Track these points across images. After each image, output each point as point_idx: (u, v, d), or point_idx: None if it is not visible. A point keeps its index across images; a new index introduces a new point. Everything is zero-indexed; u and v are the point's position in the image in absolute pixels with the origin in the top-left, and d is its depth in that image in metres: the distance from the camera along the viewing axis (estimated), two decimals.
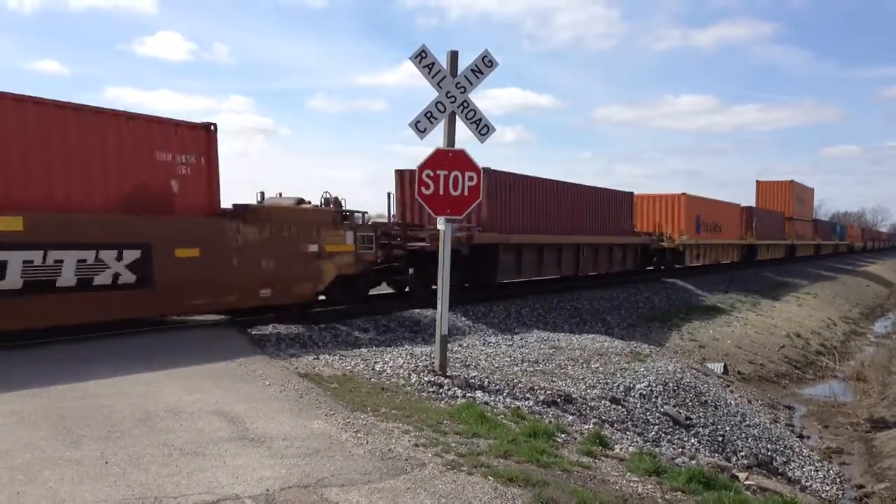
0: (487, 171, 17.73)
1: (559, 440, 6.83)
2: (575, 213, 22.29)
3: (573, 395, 9.50)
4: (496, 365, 10.67)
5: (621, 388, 10.78)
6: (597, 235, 23.53)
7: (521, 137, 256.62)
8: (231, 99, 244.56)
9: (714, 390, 13.32)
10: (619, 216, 25.53)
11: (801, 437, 14.00)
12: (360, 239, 13.65)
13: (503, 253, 18.53)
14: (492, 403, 7.97)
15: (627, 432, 9.01)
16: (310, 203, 13.73)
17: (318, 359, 9.37)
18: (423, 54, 8.78)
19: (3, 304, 8.56)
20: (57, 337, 9.47)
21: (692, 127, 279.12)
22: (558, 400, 9.05)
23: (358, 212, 14.34)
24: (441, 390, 8.19)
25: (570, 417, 8.51)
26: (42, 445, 5.27)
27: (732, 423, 11.84)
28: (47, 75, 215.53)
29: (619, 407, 9.95)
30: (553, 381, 10.11)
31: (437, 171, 8.65)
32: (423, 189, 8.66)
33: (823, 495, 10.57)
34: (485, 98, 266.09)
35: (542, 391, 9.18)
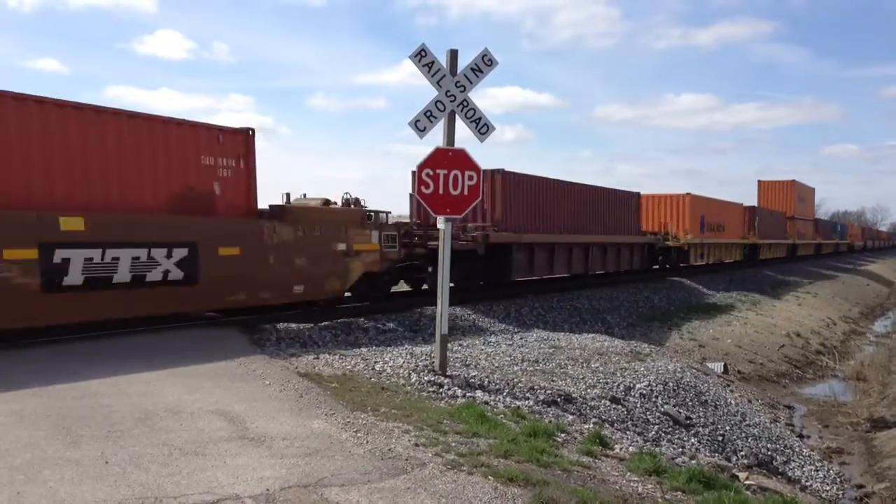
0: (502, 172, 18.46)
1: (559, 440, 6.83)
2: (584, 213, 22.73)
3: (573, 395, 9.50)
4: (496, 364, 10.67)
5: (621, 387, 10.77)
6: (605, 235, 23.97)
7: (522, 136, 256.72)
8: (231, 98, 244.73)
9: (714, 390, 13.31)
10: (626, 216, 25.91)
11: (801, 436, 14.00)
12: (385, 238, 14.21)
13: (517, 252, 18.96)
14: (492, 403, 7.97)
15: (627, 432, 9.01)
16: (336, 204, 14.18)
17: (318, 358, 9.36)
18: (423, 53, 8.77)
19: (67, 298, 9.14)
20: (57, 337, 9.49)
21: (692, 126, 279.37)
22: (558, 399, 9.04)
23: (382, 212, 14.78)
24: (441, 390, 8.19)
25: (570, 417, 8.51)
26: (42, 445, 5.27)
27: (732, 422, 11.84)
28: (47, 74, 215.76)
29: (619, 406, 9.95)
30: (553, 381, 10.11)
31: (437, 171, 8.65)
32: (422, 188, 8.65)
33: (823, 495, 10.56)
34: (485, 97, 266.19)
35: (542, 391, 9.17)
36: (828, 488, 10.90)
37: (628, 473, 6.08)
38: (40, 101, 9.21)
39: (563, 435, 7.07)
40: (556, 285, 21.98)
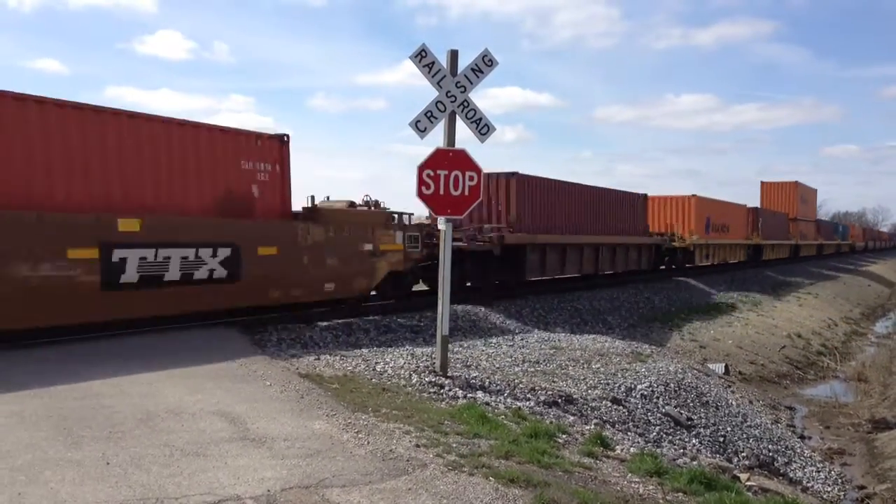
0: (516, 175, 19.07)
1: (560, 441, 6.83)
2: (594, 215, 23.18)
3: (574, 396, 9.50)
4: (497, 365, 10.67)
5: (622, 388, 10.77)
6: (614, 236, 24.46)
7: (522, 137, 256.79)
8: (231, 98, 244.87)
9: (715, 391, 13.31)
10: (634, 217, 26.35)
11: (802, 437, 14.00)
12: (408, 238, 14.79)
13: (530, 252, 19.48)
14: (493, 404, 7.97)
15: (629, 433, 9.00)
16: (363, 206, 14.69)
17: (318, 359, 9.36)
18: (423, 53, 8.77)
19: (123, 295, 9.72)
20: (57, 337, 9.49)
21: (693, 126, 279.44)
22: (559, 400, 9.04)
23: (405, 213, 15.25)
24: (442, 391, 8.18)
25: (572, 418, 8.50)
26: (43, 446, 5.27)
27: (734, 423, 11.83)
28: (47, 74, 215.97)
29: (621, 407, 9.94)
30: (554, 382, 10.11)
31: (438, 171, 8.65)
32: (423, 189, 8.64)
33: (825, 496, 10.56)
34: (485, 97, 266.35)
35: (543, 391, 9.17)
36: (829, 489, 10.89)
37: (629, 474, 6.08)
38: (98, 111, 9.81)
39: (564, 436, 7.07)
40: (555, 286, 22.03)
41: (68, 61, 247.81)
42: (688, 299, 25.89)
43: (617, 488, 5.59)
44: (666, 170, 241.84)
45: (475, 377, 9.15)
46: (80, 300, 9.26)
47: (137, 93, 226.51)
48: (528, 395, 8.88)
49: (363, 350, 10.53)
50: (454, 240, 16.59)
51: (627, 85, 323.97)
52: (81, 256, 9.20)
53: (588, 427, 8.10)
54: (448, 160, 8.69)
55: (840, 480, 11.49)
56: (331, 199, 14.65)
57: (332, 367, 8.94)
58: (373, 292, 14.63)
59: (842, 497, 10.85)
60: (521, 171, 19.22)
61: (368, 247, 13.67)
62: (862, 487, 11.38)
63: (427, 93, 8.83)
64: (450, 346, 9.91)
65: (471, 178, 8.73)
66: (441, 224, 8.87)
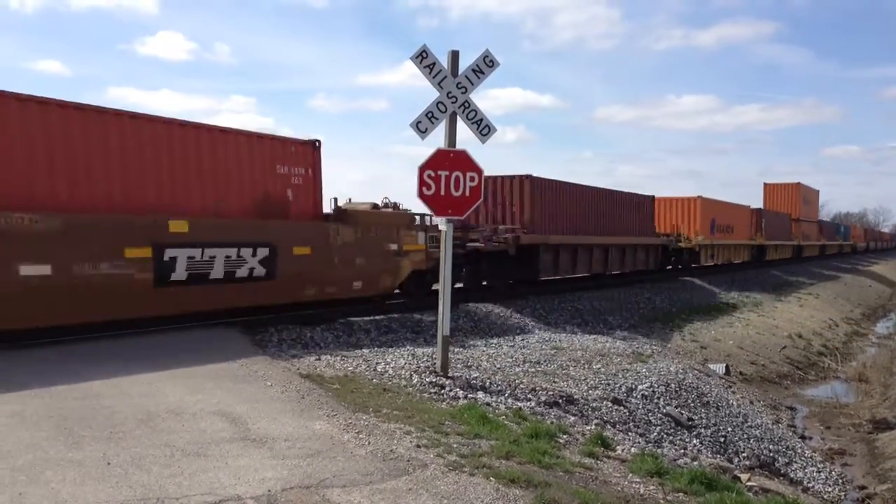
0: (530, 177, 19.79)
1: (561, 441, 6.83)
2: (604, 216, 23.75)
3: (575, 396, 9.50)
4: (498, 366, 10.67)
5: (623, 388, 10.77)
6: (623, 236, 25.06)
7: (523, 137, 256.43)
8: (232, 99, 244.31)
9: (716, 391, 13.31)
10: (641, 218, 26.98)
11: (803, 438, 13.99)
12: (430, 239, 15.25)
13: (544, 253, 20.05)
14: (493, 404, 7.97)
15: (629, 433, 9.00)
16: (388, 207, 15.24)
17: (319, 359, 9.37)
18: (424, 54, 8.78)
19: (173, 291, 10.33)
20: (58, 337, 9.50)
21: (694, 127, 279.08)
22: (560, 401, 9.04)
23: (426, 214, 15.59)
24: (443, 391, 8.19)
25: (572, 418, 8.50)
26: (44, 446, 5.27)
27: (734, 424, 11.83)
28: (49, 75, 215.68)
29: (621, 408, 9.94)
30: (555, 382, 10.11)
31: (439, 172, 8.65)
32: (424, 189, 8.64)
33: (825, 496, 10.56)
34: (486, 98, 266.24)
35: (544, 392, 9.17)
36: (830, 490, 10.89)
37: (630, 475, 6.08)
38: (151, 120, 10.56)
39: (564, 436, 7.07)
40: (557, 286, 22.11)
41: (70, 62, 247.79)
42: (688, 299, 25.89)
43: (618, 488, 5.59)
44: (667, 170, 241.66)
45: (476, 377, 9.15)
46: (135, 296, 9.90)
47: (138, 93, 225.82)
48: (529, 396, 8.88)
49: (364, 350, 10.53)
50: (471, 240, 17.70)
51: (628, 85, 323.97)
52: (136, 255, 9.85)
53: (589, 427, 8.10)
54: (449, 161, 8.69)
55: (841, 481, 11.49)
56: (353, 200, 15.19)
57: (332, 367, 8.94)
58: (396, 290, 15.16)
59: (842, 497, 10.84)
60: (534, 174, 19.86)
61: (393, 247, 14.25)
62: (863, 488, 11.37)
63: (428, 93, 8.85)
64: (452, 345, 9.90)
65: (472, 179, 8.73)
66: (442, 224, 8.87)
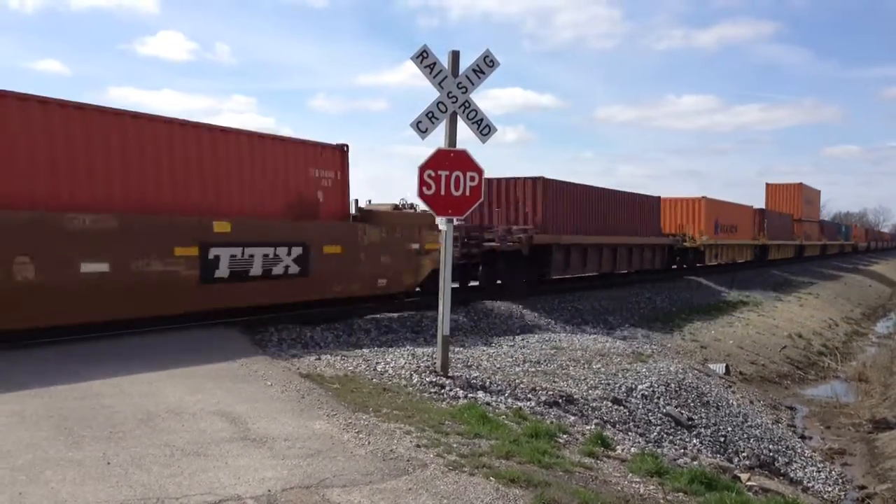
0: (542, 179, 20.50)
1: (561, 441, 6.83)
2: (612, 217, 24.41)
3: (575, 396, 9.49)
4: (498, 365, 10.67)
5: (623, 388, 10.77)
6: (631, 236, 25.67)
7: (523, 137, 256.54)
8: (233, 99, 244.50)
9: (716, 391, 13.31)
10: (648, 219, 27.62)
11: (802, 437, 13.98)
12: None
13: (555, 252, 20.72)
14: (493, 404, 7.96)
15: (629, 433, 9.00)
16: (402, 208, 15.82)
17: (319, 359, 9.36)
18: (425, 54, 8.77)
19: (217, 288, 10.97)
20: (58, 338, 9.50)
21: (694, 127, 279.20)
22: (560, 400, 9.04)
23: None
24: (443, 391, 8.18)
25: (572, 418, 8.50)
26: (44, 446, 5.27)
27: (734, 423, 11.83)
28: (49, 75, 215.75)
29: (621, 407, 9.94)
30: (555, 382, 10.10)
31: (439, 172, 8.64)
32: (424, 189, 8.64)
33: (825, 496, 10.55)
34: (486, 98, 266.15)
35: (544, 392, 9.17)
36: (830, 489, 10.89)
37: (630, 474, 6.08)
38: (197, 126, 11.23)
39: (564, 436, 7.07)
40: (562, 285, 22.28)
41: (70, 62, 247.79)
42: (688, 299, 25.89)
43: (618, 488, 5.59)
44: (667, 170, 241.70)
45: (476, 377, 9.15)
46: (183, 292, 10.51)
47: (139, 93, 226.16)
48: (529, 395, 8.88)
49: (364, 350, 10.53)
50: (487, 241, 18.20)
51: (629, 85, 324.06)
52: (184, 253, 10.48)
53: (589, 427, 8.10)
54: (449, 161, 8.69)
55: (841, 480, 11.48)
56: (373, 202, 15.80)
57: (332, 367, 8.94)
58: (417, 288, 15.77)
59: (842, 497, 10.84)
60: (546, 176, 20.58)
61: (415, 246, 14.86)
62: (862, 487, 11.37)
63: (428, 93, 8.85)
64: (452, 345, 9.90)
65: (472, 179, 8.73)
66: (441, 224, 8.87)
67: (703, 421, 11.19)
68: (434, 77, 8.79)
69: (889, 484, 11.27)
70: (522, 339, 13.66)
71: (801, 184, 54.70)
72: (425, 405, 7.37)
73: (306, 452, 5.39)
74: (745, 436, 11.50)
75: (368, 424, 6.27)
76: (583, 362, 11.99)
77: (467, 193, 8.73)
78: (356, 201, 14.51)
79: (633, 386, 11.06)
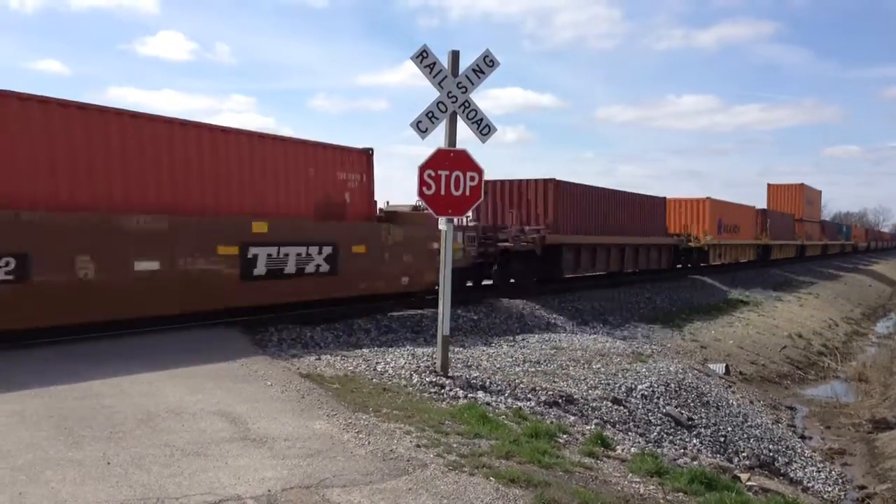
0: (554, 181, 21.16)
1: (561, 441, 6.83)
2: (620, 217, 25.07)
3: (575, 396, 9.50)
4: (497, 365, 10.67)
5: (623, 388, 10.77)
6: (638, 236, 26.37)
7: (523, 137, 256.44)
8: (233, 98, 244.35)
9: (716, 391, 13.31)
10: (654, 219, 28.29)
11: (802, 437, 13.99)
12: (467, 238, 16.79)
13: (566, 252, 21.40)
14: (493, 404, 7.97)
15: (629, 433, 9.00)
16: (420, 209, 16.13)
17: (319, 359, 9.37)
18: (425, 54, 8.77)
19: (255, 285, 11.58)
20: (58, 338, 9.50)
21: (694, 127, 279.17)
22: (560, 400, 9.04)
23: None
24: (443, 391, 8.18)
25: (572, 418, 8.50)
26: (44, 446, 5.27)
27: (734, 423, 11.83)
28: (49, 75, 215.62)
29: (621, 407, 9.94)
30: (555, 382, 10.11)
31: (439, 171, 8.64)
32: (424, 189, 8.64)
33: (825, 496, 10.55)
34: (486, 98, 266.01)
35: (544, 392, 9.17)
36: (830, 489, 10.89)
37: (630, 474, 6.08)
38: (238, 133, 11.91)
39: (564, 436, 7.07)
40: (556, 286, 22.23)
41: (70, 62, 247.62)
42: (689, 299, 25.92)
43: (618, 488, 5.59)
44: (667, 170, 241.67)
45: (476, 377, 9.15)
46: (225, 289, 11.13)
47: (139, 93, 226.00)
48: (529, 396, 8.88)
49: (364, 350, 10.53)
50: (501, 240, 18.62)
51: (629, 86, 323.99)
52: (226, 252, 11.13)
53: (589, 427, 8.10)
54: (449, 160, 8.69)
55: (840, 480, 11.49)
56: (390, 203, 16.24)
57: (332, 367, 8.94)
58: (436, 286, 15.50)
59: (842, 497, 10.84)
60: (557, 178, 21.19)
61: (435, 245, 14.90)
62: (862, 487, 11.37)
63: (428, 93, 8.85)
64: (452, 345, 9.90)
65: (472, 179, 8.73)
66: (442, 224, 8.86)
67: (703, 421, 11.20)
68: (434, 77, 8.79)
69: (889, 484, 11.27)
70: (522, 339, 13.67)
71: (802, 184, 55.32)
72: (425, 405, 7.37)
73: (306, 452, 5.39)
74: (745, 436, 11.50)
75: (368, 424, 6.27)
76: (583, 362, 11.99)
77: (467, 193, 8.73)
78: (376, 202, 14.96)
79: (633, 386, 11.06)
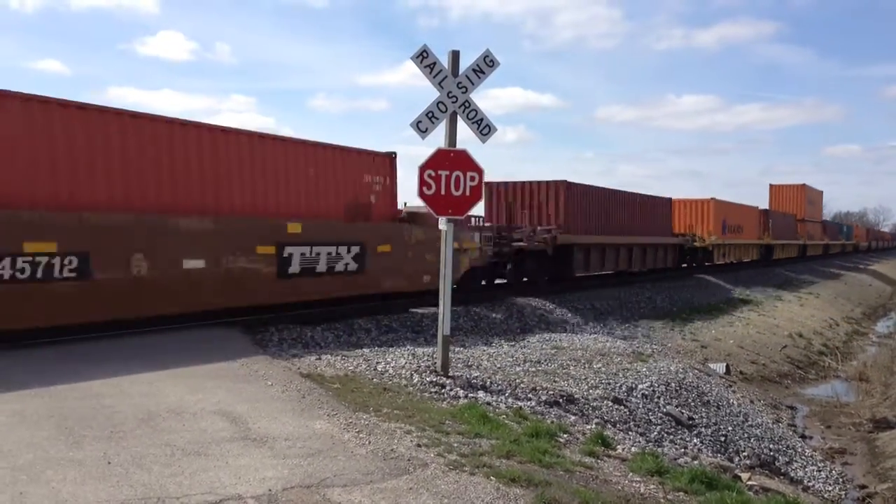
0: (565, 182, 21.79)
1: (561, 440, 6.83)
2: (628, 217, 25.66)
3: (575, 396, 9.49)
4: (498, 365, 10.67)
5: (623, 388, 10.77)
6: (646, 236, 27.01)
7: (523, 137, 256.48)
8: (233, 98, 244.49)
9: (716, 390, 13.31)
10: (661, 220, 28.87)
11: (803, 437, 13.99)
12: (484, 238, 17.50)
13: (577, 251, 21.99)
14: (494, 404, 7.96)
15: (630, 432, 9.00)
16: None
17: (320, 359, 9.37)
18: (425, 54, 8.77)
19: (290, 282, 12.18)
20: (59, 337, 9.50)
21: (695, 127, 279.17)
22: (560, 400, 9.04)
23: (477, 216, 18.20)
24: (443, 391, 8.18)
25: (573, 417, 8.50)
26: (44, 445, 5.27)
27: (735, 423, 11.83)
28: (49, 74, 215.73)
29: (622, 407, 9.94)
30: (555, 382, 10.11)
31: (439, 171, 8.64)
32: (424, 189, 8.64)
33: (826, 496, 10.55)
34: (486, 98, 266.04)
35: (545, 391, 9.17)
36: (830, 489, 10.89)
37: (630, 474, 6.08)
38: (274, 139, 12.58)
39: (565, 435, 7.07)
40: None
41: (70, 62, 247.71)
42: (689, 299, 25.93)
43: (618, 487, 5.59)
44: (668, 170, 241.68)
45: (476, 377, 9.15)
46: (263, 286, 11.73)
47: (139, 93, 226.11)
48: (530, 395, 8.88)
49: (364, 350, 10.53)
50: (516, 240, 19.22)
51: (629, 85, 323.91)
52: (265, 252, 11.74)
53: (589, 426, 8.10)
54: (449, 160, 8.69)
55: (841, 480, 11.49)
56: (408, 204, 16.48)
57: (333, 366, 8.95)
58: (454, 285, 15.96)
59: (843, 496, 10.84)
60: (568, 180, 21.87)
61: (455, 245, 15.41)
62: (863, 487, 11.37)
63: (428, 93, 8.85)
64: (453, 345, 9.90)
65: (472, 179, 8.72)
66: (442, 224, 8.86)
67: (704, 420, 11.20)
68: (434, 77, 8.78)
69: (889, 483, 11.27)
70: (523, 339, 13.67)
71: (804, 185, 55.93)
72: (426, 405, 7.37)
73: (307, 452, 5.39)
74: (746, 435, 11.50)
75: (369, 424, 6.27)
76: (583, 362, 11.99)
77: (467, 193, 8.72)
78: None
79: (634, 385, 11.06)
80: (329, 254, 12.89)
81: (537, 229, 20.38)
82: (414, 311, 14.69)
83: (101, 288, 9.53)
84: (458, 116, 8.89)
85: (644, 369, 12.28)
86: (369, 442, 5.74)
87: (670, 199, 30.53)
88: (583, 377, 10.77)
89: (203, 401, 6.74)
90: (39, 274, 8.90)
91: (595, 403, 9.52)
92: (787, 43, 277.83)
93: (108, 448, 5.26)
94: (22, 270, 8.75)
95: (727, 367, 17.24)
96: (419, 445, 5.76)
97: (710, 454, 9.62)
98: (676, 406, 11.16)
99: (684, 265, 32.92)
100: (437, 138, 9.02)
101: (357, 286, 13.66)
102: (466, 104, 8.86)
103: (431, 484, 4.92)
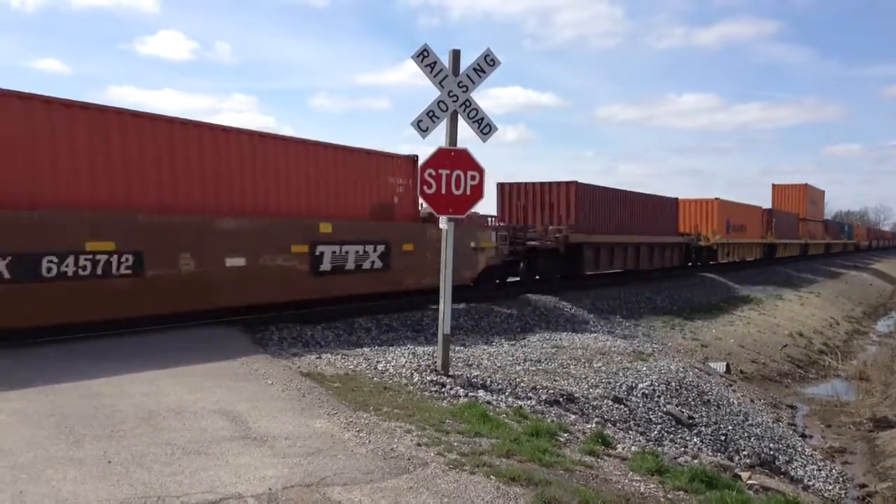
0: (576, 183, 22.49)
1: (561, 439, 6.83)
2: (636, 217, 26.28)
3: (575, 395, 9.50)
4: (498, 364, 10.67)
5: (624, 387, 10.77)
6: (653, 236, 27.57)
7: (524, 136, 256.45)
8: (233, 98, 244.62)
9: (716, 389, 13.31)
10: (667, 219, 29.44)
11: (803, 436, 13.98)
12: (500, 238, 18.05)
13: (587, 250, 22.60)
14: (494, 403, 7.97)
15: (630, 431, 9.00)
16: None
17: (320, 358, 9.37)
18: (426, 53, 8.77)
19: (322, 279, 12.88)
20: (60, 336, 9.51)
21: (695, 126, 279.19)
22: (561, 399, 9.04)
23: (490, 216, 18.74)
24: (443, 390, 8.19)
25: (573, 417, 8.50)
26: (45, 444, 5.28)
27: (735, 422, 11.83)
28: (49, 74, 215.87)
29: (622, 406, 9.94)
30: (555, 381, 10.11)
31: (440, 171, 8.65)
32: (425, 188, 8.64)
33: (826, 495, 10.55)
34: (487, 97, 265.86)
35: (545, 390, 9.17)
36: (830, 488, 10.89)
37: (631, 473, 6.08)
38: (304, 143, 13.11)
39: (565, 434, 7.07)
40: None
41: (70, 61, 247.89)
42: (690, 298, 25.92)
43: (618, 487, 5.59)
44: (668, 169, 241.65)
45: (476, 376, 9.15)
46: (297, 283, 12.41)
47: (139, 93, 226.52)
48: (530, 394, 8.88)
49: (364, 349, 10.54)
50: (529, 239, 19.83)
51: (630, 84, 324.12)
52: (299, 251, 12.42)
53: (589, 426, 8.10)
54: (450, 160, 8.69)
55: (841, 479, 11.48)
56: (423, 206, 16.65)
57: (333, 365, 8.95)
58: (471, 283, 17.22)
59: (843, 495, 10.84)
60: (578, 180, 22.48)
61: (473, 244, 16.65)
62: (863, 486, 11.37)
63: (429, 92, 8.85)
64: (453, 344, 9.90)
65: (472, 178, 8.73)
66: (443, 223, 8.86)
67: (704, 419, 11.20)
68: (435, 76, 8.78)
69: (890, 482, 11.27)
70: (523, 338, 13.67)
71: (806, 185, 56.42)
72: (426, 404, 7.38)
73: (307, 451, 5.40)
74: (746, 434, 11.50)
75: (369, 423, 6.28)
76: (583, 361, 11.99)
77: (468, 192, 8.73)
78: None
79: (634, 384, 11.06)
80: (357, 252, 13.53)
81: (549, 229, 21.00)
82: (414, 311, 14.68)
83: (154, 284, 10.23)
84: (459, 115, 8.89)
85: (644, 368, 12.28)
86: (369, 441, 5.74)
87: (676, 199, 30.95)
88: (583, 376, 10.77)
89: (203, 400, 6.74)
90: (100, 271, 9.62)
91: (595, 402, 9.52)
92: (788, 42, 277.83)
93: (109, 447, 5.27)
94: (84, 268, 9.47)
95: (727, 366, 17.24)
96: (419, 444, 5.76)
97: (711, 453, 9.62)
98: (677, 405, 11.16)
99: (689, 264, 33.41)
100: (437, 137, 9.02)
101: (383, 283, 14.29)
102: (467, 103, 8.86)
103: (431, 483, 4.92)
